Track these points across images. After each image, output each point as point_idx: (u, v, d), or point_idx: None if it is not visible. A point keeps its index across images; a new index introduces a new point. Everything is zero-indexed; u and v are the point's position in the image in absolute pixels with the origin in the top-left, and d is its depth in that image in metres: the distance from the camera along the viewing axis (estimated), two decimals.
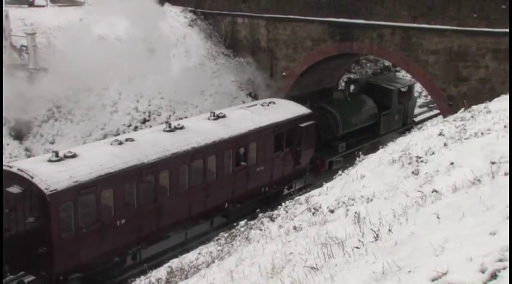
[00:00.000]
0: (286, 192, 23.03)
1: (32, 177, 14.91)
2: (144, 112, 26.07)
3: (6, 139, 21.19)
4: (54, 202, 14.84)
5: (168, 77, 28.10)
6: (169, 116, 26.62)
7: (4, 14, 20.97)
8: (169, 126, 19.00)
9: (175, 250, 17.01)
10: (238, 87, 30.91)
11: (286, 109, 23.05)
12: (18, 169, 15.27)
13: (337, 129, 25.83)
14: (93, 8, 29.79)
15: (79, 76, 24.92)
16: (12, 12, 22.99)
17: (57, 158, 15.68)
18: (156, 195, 17.55)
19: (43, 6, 28.99)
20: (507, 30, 21.50)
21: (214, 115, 20.54)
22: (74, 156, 16.01)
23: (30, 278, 15.87)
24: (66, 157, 15.90)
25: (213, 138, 19.29)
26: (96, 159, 16.29)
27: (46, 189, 14.72)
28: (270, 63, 30.84)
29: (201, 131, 19.43)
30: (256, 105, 23.16)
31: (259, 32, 30.95)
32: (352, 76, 36.19)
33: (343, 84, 33.36)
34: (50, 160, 15.69)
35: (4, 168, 15.73)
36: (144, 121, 25.74)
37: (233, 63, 31.65)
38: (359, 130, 27.19)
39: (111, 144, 17.37)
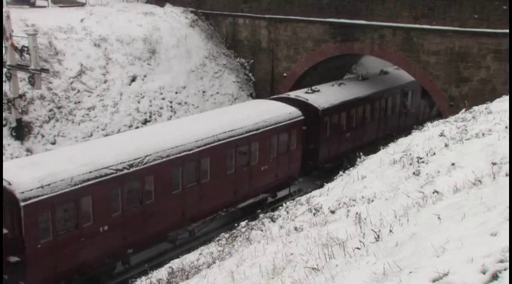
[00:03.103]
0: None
1: (307, 100, 24.36)
2: (145, 113, 26.07)
3: (7, 140, 21.20)
4: (322, 116, 24.43)
5: (169, 78, 28.13)
6: (170, 117, 26.64)
7: (5, 14, 20.98)
8: (361, 77, 29.57)
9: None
10: (239, 87, 30.94)
11: (404, 75, 30.46)
12: (295, 96, 24.67)
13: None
14: (94, 8, 29.85)
15: (80, 77, 24.98)
16: (14, 13, 23.00)
17: (311, 91, 25.35)
18: (363, 120, 27.54)
19: (44, 6, 29.03)
20: (508, 31, 21.50)
21: (383, 72, 31.05)
22: (318, 90, 25.61)
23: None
24: (314, 91, 25.39)
25: (387, 86, 29.29)
26: (332, 93, 25.93)
27: (319, 106, 24.33)
28: (271, 63, 30.86)
29: (378, 81, 29.45)
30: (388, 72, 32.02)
31: (260, 32, 30.95)
32: None
33: None
34: (307, 92, 25.28)
35: (282, 95, 25.14)
36: (145, 121, 25.75)
37: (234, 64, 31.69)
38: None
39: (333, 86, 27.14)
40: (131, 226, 16.71)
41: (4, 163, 16.45)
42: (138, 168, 16.56)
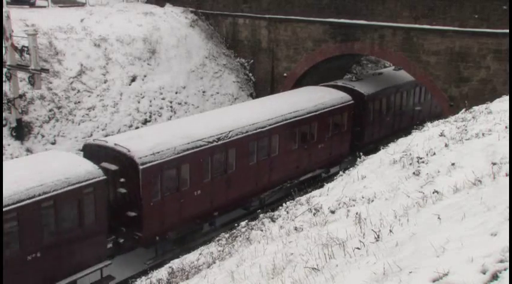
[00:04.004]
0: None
1: (354, 86, 27.03)
2: (145, 113, 26.06)
3: (7, 140, 21.19)
4: (367, 101, 26.90)
5: (169, 78, 28.13)
6: (170, 117, 26.64)
7: (5, 14, 20.97)
8: (396, 67, 31.58)
9: None
10: (239, 87, 30.92)
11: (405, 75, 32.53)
12: (342, 83, 27.51)
13: None
14: (94, 8, 29.84)
15: (80, 77, 24.97)
16: (14, 13, 23.00)
17: (355, 79, 28.67)
18: (400, 106, 30.34)
19: (44, 6, 29.02)
20: (508, 31, 21.48)
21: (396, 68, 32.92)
22: (361, 79, 29.02)
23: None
24: (358, 79, 28.70)
25: (410, 78, 29.70)
26: (373, 81, 28.78)
27: (364, 92, 26.92)
28: (271, 63, 30.85)
29: (400, 76, 31.36)
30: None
31: (260, 32, 30.94)
32: None
33: None
34: (351, 80, 28.36)
35: (330, 83, 27.40)
36: (145, 121, 25.75)
37: (234, 64, 31.67)
38: None
39: (373, 75, 30.82)
40: (217, 191, 19.46)
41: (113, 136, 19.86)
42: (224, 141, 19.35)
